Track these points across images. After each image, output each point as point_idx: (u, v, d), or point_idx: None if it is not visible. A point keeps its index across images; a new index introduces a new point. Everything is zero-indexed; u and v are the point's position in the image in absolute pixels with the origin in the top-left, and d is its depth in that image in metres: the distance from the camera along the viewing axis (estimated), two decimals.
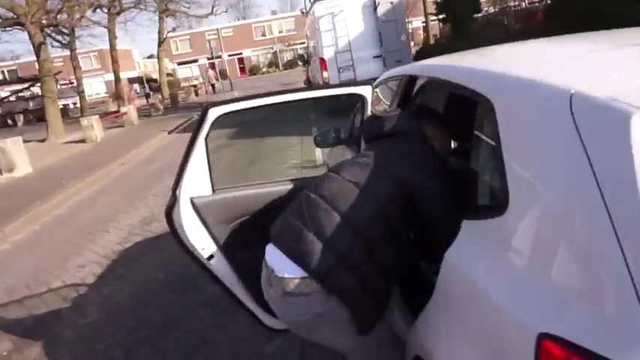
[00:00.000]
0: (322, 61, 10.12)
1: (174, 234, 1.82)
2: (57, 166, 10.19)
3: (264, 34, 50.23)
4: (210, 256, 1.84)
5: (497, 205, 1.09)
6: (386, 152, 1.51)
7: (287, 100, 1.82)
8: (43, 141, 13.93)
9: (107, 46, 22.48)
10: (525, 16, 16.85)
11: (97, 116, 14.33)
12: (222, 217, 1.83)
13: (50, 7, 14.84)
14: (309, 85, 14.73)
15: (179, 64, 47.54)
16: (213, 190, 1.85)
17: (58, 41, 18.53)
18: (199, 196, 1.81)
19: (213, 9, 28.11)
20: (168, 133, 13.02)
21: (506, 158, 1.07)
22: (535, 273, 0.95)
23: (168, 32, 28.91)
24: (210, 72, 27.34)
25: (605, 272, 0.81)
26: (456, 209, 1.31)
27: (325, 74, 10.15)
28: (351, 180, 1.44)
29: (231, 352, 2.65)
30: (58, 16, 15.34)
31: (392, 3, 10.07)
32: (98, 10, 19.50)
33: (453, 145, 1.67)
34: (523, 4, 20.77)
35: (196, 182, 1.80)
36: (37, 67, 15.24)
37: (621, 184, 0.80)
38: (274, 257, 1.48)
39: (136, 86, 26.98)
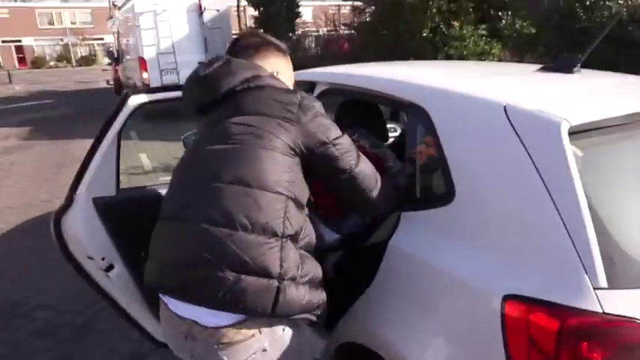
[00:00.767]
0: (142, 60, 9.47)
1: (61, 244, 1.54)
2: None
3: (51, 23, 43.73)
4: (110, 267, 1.61)
5: (443, 196, 1.28)
6: None
7: None
8: None
9: None
10: (326, 41, 18.70)
11: None
12: (127, 220, 1.63)
13: None
14: (120, 86, 13.48)
15: None
16: (118, 190, 1.64)
17: None
18: (103, 197, 1.58)
19: None
20: None
21: (449, 157, 1.28)
22: (489, 248, 1.16)
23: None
24: None
25: (551, 240, 1.06)
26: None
27: (145, 75, 9.51)
28: None
29: None
30: None
31: (218, 11, 10.07)
32: None
33: None
34: (320, 31, 23.01)
35: (100, 181, 1.56)
36: None
37: (559, 173, 1.06)
38: (188, 306, 1.21)
39: None
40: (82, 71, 32.86)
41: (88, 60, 42.24)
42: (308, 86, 2.10)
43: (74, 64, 42.06)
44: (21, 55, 41.97)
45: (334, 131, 1.30)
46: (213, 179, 1.17)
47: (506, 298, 1.06)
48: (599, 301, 0.97)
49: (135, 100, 1.56)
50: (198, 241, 1.15)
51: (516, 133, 1.15)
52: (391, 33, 7.68)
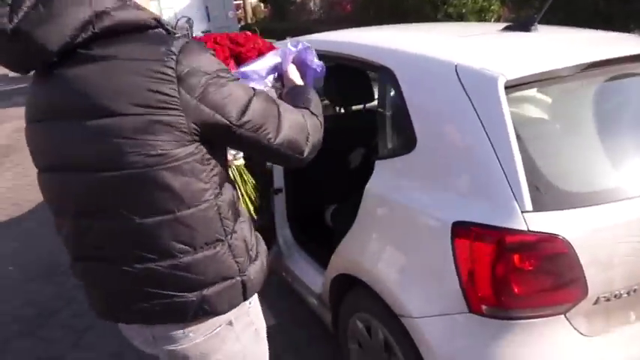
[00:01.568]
0: None
1: None
2: None
3: None
4: None
5: (406, 146, 1.52)
6: None
7: None
8: None
9: None
10: (330, 3, 18.45)
11: None
12: None
13: None
14: None
15: None
16: None
17: None
18: None
19: None
20: None
21: (411, 112, 1.50)
22: (442, 186, 1.41)
23: None
24: None
25: (488, 175, 1.29)
26: None
27: None
28: None
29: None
30: None
31: None
32: None
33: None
34: None
35: None
36: None
37: (496, 120, 1.28)
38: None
39: None
40: None
41: None
42: None
43: None
44: None
45: (237, 102, 0.95)
46: (124, 218, 0.93)
47: (455, 224, 1.31)
48: (525, 221, 1.22)
49: None
50: (138, 279, 0.99)
51: (463, 87, 1.37)
52: None
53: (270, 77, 1.36)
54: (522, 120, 1.36)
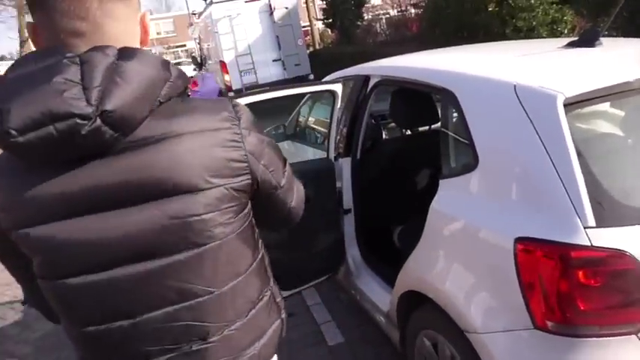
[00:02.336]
0: (223, 64, 10.26)
1: None
2: None
3: None
4: None
5: (469, 164, 1.57)
6: None
7: (281, 95, 2.14)
8: None
9: None
10: (396, 24, 18.57)
11: None
12: None
13: None
14: None
15: None
16: None
17: None
18: None
19: None
20: None
21: (473, 131, 1.55)
22: (504, 202, 1.44)
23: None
24: None
25: (550, 192, 1.30)
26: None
27: (227, 77, 10.30)
28: None
29: None
30: None
31: (287, 8, 10.57)
32: None
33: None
34: (391, 12, 22.75)
35: None
36: None
37: (555, 137, 1.31)
38: None
39: None
40: None
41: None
42: (363, 79, 2.43)
43: None
44: None
45: (280, 163, 0.99)
46: (199, 296, 0.86)
47: (517, 240, 1.34)
48: (588, 237, 1.22)
49: None
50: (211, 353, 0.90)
51: (523, 106, 1.41)
52: (457, 10, 7.65)
53: None
54: (584, 136, 1.37)
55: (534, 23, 6.78)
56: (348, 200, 2.41)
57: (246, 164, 0.85)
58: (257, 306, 0.95)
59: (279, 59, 10.54)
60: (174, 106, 0.81)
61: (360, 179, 2.45)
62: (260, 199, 0.93)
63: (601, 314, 1.24)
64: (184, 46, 43.37)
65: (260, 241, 0.99)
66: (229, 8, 10.22)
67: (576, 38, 1.86)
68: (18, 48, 23.85)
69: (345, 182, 2.42)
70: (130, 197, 0.77)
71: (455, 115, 1.68)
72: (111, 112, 0.71)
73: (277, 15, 10.47)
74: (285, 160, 1.00)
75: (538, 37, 6.35)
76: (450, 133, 1.72)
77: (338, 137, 2.47)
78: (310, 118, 3.55)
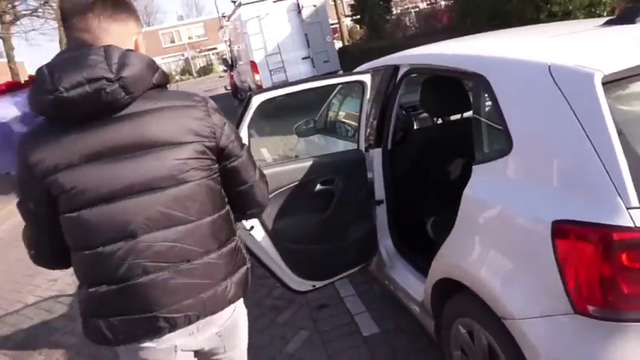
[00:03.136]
0: (253, 64, 10.38)
1: None
2: None
3: (172, 41, 48.74)
4: (251, 227, 2.12)
5: (503, 149, 1.53)
6: None
7: (311, 87, 2.16)
8: None
9: None
10: (425, 17, 18.29)
11: None
12: None
13: None
14: (236, 90, 14.81)
15: None
16: None
17: None
18: None
19: None
20: None
21: (506, 115, 1.52)
22: (540, 185, 1.40)
23: None
24: None
25: (589, 172, 1.26)
26: None
27: (257, 77, 10.42)
28: None
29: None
30: None
31: (315, 5, 10.58)
32: None
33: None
34: (421, 5, 22.44)
35: None
36: None
37: (594, 116, 1.26)
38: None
39: None
40: (202, 81, 36.11)
41: (206, 70, 46.14)
42: (393, 69, 2.42)
43: (195, 76, 46.37)
44: None
45: (240, 139, 1.33)
46: (183, 221, 1.17)
47: (555, 223, 1.30)
48: (631, 218, 1.18)
49: (257, 100, 2.01)
50: (195, 274, 1.19)
51: (558, 87, 1.37)
52: None
53: None
54: (625, 115, 1.32)
55: (570, 7, 6.51)
56: (379, 191, 2.40)
57: (212, 131, 1.21)
58: (226, 247, 1.25)
59: (308, 57, 10.57)
60: (159, 92, 1.18)
61: (391, 170, 2.43)
62: (225, 165, 1.26)
63: None
64: (215, 49, 44.07)
65: (226, 199, 1.29)
66: (258, 9, 10.32)
67: (613, 17, 1.80)
68: None
69: (376, 173, 2.42)
70: (134, 149, 1.12)
71: (487, 99, 1.65)
72: (125, 77, 1.06)
73: (305, 13, 10.50)
74: (243, 143, 1.32)
75: None
76: (483, 118, 1.69)
77: (368, 129, 2.47)
78: (340, 112, 3.56)
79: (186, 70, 47.77)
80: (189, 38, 48.53)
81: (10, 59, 19.34)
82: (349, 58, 11.83)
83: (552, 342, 1.32)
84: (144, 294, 1.15)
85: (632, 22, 1.67)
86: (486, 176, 1.62)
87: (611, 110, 1.25)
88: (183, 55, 47.74)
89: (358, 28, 19.10)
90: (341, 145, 3.08)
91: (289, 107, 10.86)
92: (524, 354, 1.39)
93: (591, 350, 1.24)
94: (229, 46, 14.76)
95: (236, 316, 1.34)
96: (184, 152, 1.15)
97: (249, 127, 2.07)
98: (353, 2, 16.40)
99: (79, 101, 1.05)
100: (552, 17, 6.64)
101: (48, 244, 1.23)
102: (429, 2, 22.15)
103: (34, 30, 21.37)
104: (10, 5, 18.46)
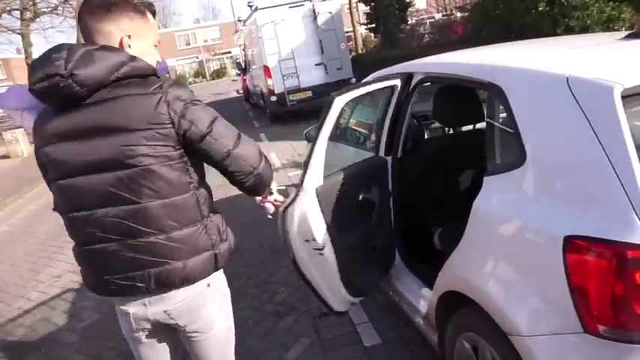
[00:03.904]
0: (267, 68, 10.43)
1: (284, 232, 1.93)
2: None
3: (188, 43, 49.19)
4: (323, 247, 2.00)
5: (515, 160, 1.50)
6: None
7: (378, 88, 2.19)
8: None
9: (11, 55, 20.74)
10: (440, 27, 18.27)
11: (22, 129, 13.47)
12: (330, 203, 1.99)
13: None
14: (248, 94, 14.86)
15: None
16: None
17: None
18: (319, 186, 1.95)
19: None
20: None
21: (520, 126, 1.49)
22: (552, 199, 1.36)
23: None
24: None
25: (604, 188, 1.23)
26: None
27: (270, 82, 10.46)
28: None
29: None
30: None
31: (331, 13, 10.62)
32: (6, 14, 18.07)
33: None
34: (437, 15, 22.43)
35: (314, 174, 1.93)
36: None
37: (612, 130, 1.23)
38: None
39: None
40: (215, 84, 36.40)
41: (219, 73, 46.45)
42: (407, 77, 2.39)
43: (208, 78, 46.71)
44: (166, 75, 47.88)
45: (205, 119, 1.31)
46: (134, 202, 1.28)
47: (567, 238, 1.26)
48: None
49: (340, 102, 1.93)
50: (142, 250, 1.31)
51: (576, 99, 1.33)
52: (505, 11, 7.42)
53: None
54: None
55: (588, 22, 6.45)
56: None
57: (168, 118, 1.26)
58: (184, 230, 1.34)
59: (322, 63, 10.58)
60: (124, 84, 1.28)
61: (400, 179, 2.40)
62: (194, 145, 1.31)
63: None
64: (229, 53, 44.32)
65: (192, 184, 1.35)
66: (273, 14, 10.38)
67: (634, 31, 1.76)
68: None
69: None
70: (95, 132, 1.26)
71: (502, 110, 1.62)
72: (77, 75, 1.21)
73: (321, 20, 10.53)
74: (214, 118, 1.34)
75: None
76: (496, 129, 1.65)
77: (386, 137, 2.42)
78: (352, 120, 3.53)
79: (199, 73, 48.15)
80: (205, 41, 48.90)
81: (28, 55, 19.63)
82: (363, 66, 11.84)
83: None
84: (99, 259, 1.35)
85: None
86: (497, 188, 1.58)
87: (629, 124, 1.22)
88: (197, 57, 48.14)
89: (373, 37, 19.12)
90: (351, 152, 3.05)
91: (300, 113, 10.85)
92: None
93: None
94: (243, 50, 14.84)
95: (200, 301, 1.43)
96: (132, 139, 1.25)
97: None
98: (369, 11, 16.41)
99: (46, 93, 1.24)
100: (569, 32, 6.60)
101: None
102: (444, 13, 22.13)
103: (52, 27, 21.83)
104: (31, 2, 18.74)
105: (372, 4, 15.86)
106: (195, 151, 1.33)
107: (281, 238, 1.98)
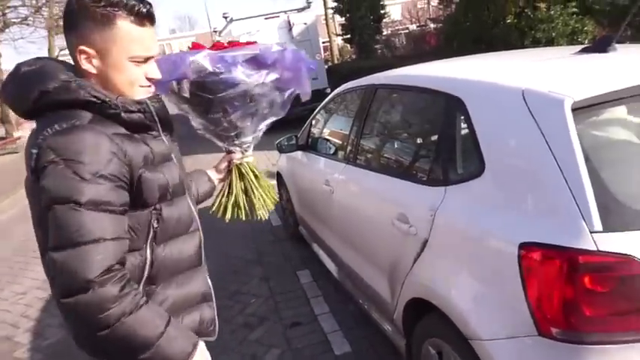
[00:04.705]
0: None
1: None
2: None
3: (164, 54, 48.73)
4: None
5: (475, 171, 1.55)
6: None
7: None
8: None
9: None
10: (415, 39, 18.58)
11: None
12: None
13: None
14: None
15: None
16: None
17: None
18: None
19: None
20: None
21: (479, 137, 1.54)
22: (510, 208, 1.41)
23: (61, 50, 26.91)
24: None
25: (556, 196, 1.28)
26: None
27: None
28: None
29: None
30: None
31: (306, 24, 10.70)
32: None
33: None
34: (410, 27, 22.83)
35: None
36: None
37: (563, 141, 1.28)
38: None
39: None
40: None
41: None
42: (372, 89, 2.44)
43: None
44: None
45: (57, 192, 0.96)
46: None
47: (522, 245, 1.31)
48: (594, 242, 1.19)
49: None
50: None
51: (530, 111, 1.39)
52: (474, 23, 7.63)
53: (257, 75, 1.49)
54: (593, 141, 1.34)
55: (554, 34, 6.69)
56: None
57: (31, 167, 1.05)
58: None
59: None
60: (48, 118, 1.06)
61: None
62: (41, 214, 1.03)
63: (607, 321, 1.19)
64: None
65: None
66: (249, 25, 10.40)
67: (588, 45, 1.84)
68: None
69: None
70: None
71: (461, 120, 1.67)
72: (6, 96, 1.12)
73: (296, 31, 10.60)
74: (68, 199, 0.96)
75: None
76: (456, 140, 1.70)
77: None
78: (325, 130, 3.56)
79: None
80: (181, 51, 48.39)
81: None
82: (338, 76, 11.93)
83: None
84: None
85: (604, 50, 1.72)
86: (458, 197, 1.62)
87: (579, 136, 1.27)
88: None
89: (349, 48, 19.32)
90: (322, 163, 3.08)
91: (275, 123, 10.83)
92: None
93: None
94: None
95: None
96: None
97: None
98: (344, 22, 16.61)
99: None
100: (536, 43, 6.81)
101: None
102: (418, 24, 22.54)
103: (22, 38, 21.29)
104: (0, 13, 18.34)
105: (347, 15, 16.03)
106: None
107: None
